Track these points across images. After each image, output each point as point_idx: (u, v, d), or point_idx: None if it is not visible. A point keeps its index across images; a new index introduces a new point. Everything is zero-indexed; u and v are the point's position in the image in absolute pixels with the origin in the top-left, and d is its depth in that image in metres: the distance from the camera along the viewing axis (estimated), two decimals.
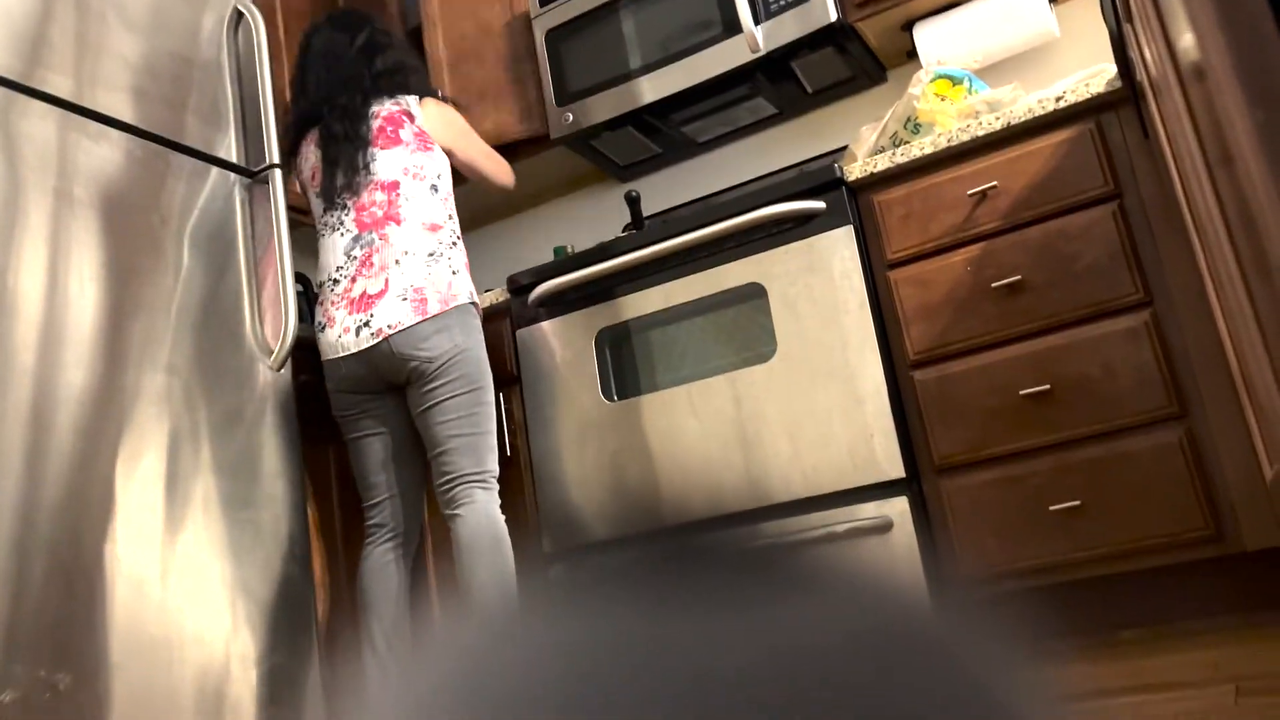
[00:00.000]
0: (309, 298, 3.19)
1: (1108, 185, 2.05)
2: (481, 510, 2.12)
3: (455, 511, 2.13)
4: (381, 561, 2.23)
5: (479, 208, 3.34)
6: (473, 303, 2.23)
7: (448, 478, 2.15)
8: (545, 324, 2.53)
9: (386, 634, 2.19)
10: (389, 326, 2.17)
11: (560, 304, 2.53)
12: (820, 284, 2.23)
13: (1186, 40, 0.91)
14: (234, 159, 2.42)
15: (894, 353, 2.20)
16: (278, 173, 2.40)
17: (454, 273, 2.22)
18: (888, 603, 0.22)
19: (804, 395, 2.21)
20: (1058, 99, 2.10)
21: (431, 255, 2.21)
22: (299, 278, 3.17)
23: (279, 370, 2.32)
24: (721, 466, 2.27)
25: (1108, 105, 2.08)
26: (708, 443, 2.30)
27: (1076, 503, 1.98)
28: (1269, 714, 1.04)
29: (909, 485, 2.11)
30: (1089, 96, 2.07)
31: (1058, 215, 2.08)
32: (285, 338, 2.30)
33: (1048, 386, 2.03)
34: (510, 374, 2.61)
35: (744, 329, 2.33)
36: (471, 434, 2.15)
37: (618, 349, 2.46)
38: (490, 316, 2.68)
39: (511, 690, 0.21)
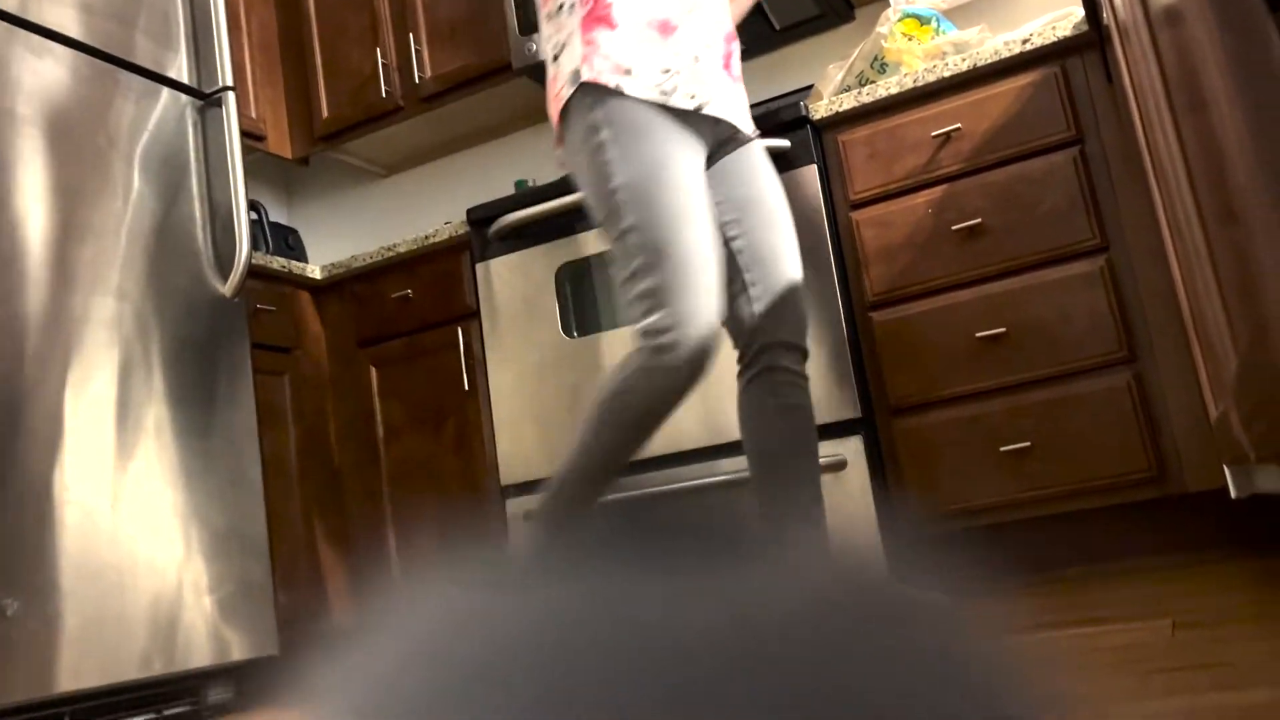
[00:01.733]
0: (264, 225, 3.12)
1: (1070, 130, 2.06)
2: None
3: None
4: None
5: (439, 138, 3.28)
6: (582, 83, 1.55)
7: None
8: (505, 258, 2.51)
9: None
10: None
11: (521, 238, 2.50)
12: None
13: None
14: (185, 80, 2.34)
15: (853, 293, 2.21)
16: (231, 95, 2.34)
17: (555, 59, 1.62)
18: (851, 575, 0.23)
19: None
20: (1024, 41, 2.09)
21: (550, 48, 1.65)
22: (253, 205, 3.11)
23: (233, 298, 2.28)
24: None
25: (1073, 49, 2.08)
26: None
27: (1027, 444, 2.02)
28: (1203, 646, 1.08)
29: (864, 425, 2.14)
30: (1055, 40, 2.07)
31: (1020, 159, 2.09)
32: (238, 265, 2.26)
33: (1003, 329, 2.05)
34: (469, 308, 2.59)
35: None
36: (623, 273, 1.54)
37: (578, 285, 2.44)
38: (449, 250, 2.65)
39: (482, 654, 0.21)
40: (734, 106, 1.64)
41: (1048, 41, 2.07)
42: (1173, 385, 1.95)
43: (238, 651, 2.10)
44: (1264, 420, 0.71)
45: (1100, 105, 2.05)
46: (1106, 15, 1.71)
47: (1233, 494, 1.56)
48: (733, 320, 1.63)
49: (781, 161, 2.24)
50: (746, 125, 1.67)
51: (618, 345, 2.36)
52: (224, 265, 2.29)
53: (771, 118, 2.26)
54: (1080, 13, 2.13)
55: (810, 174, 2.22)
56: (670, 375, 1.48)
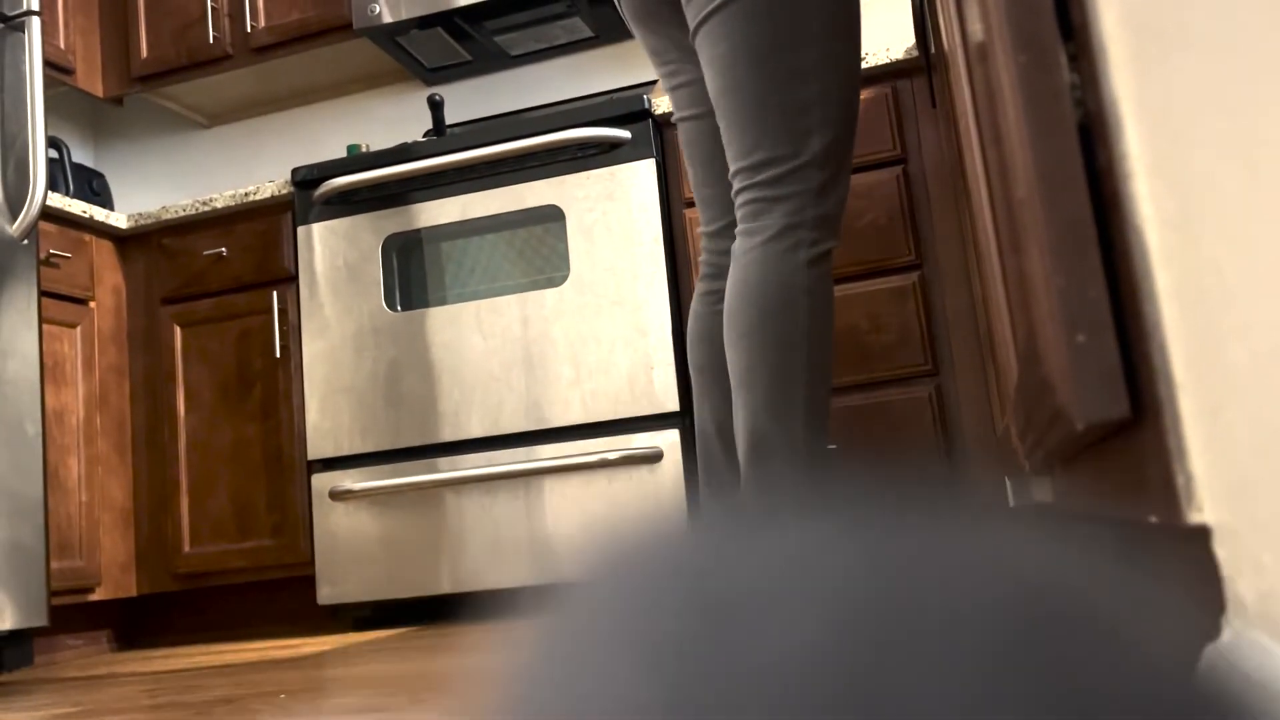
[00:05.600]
0: (65, 165, 2.90)
1: (895, 149, 2.15)
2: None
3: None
4: None
5: (268, 92, 3.12)
6: None
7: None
8: (330, 223, 2.41)
9: None
10: None
11: (349, 204, 2.41)
12: (618, 213, 2.24)
13: (974, 15, 0.95)
14: None
15: (681, 289, 2.24)
16: (35, 20, 2.15)
17: None
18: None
19: (591, 322, 2.22)
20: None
21: None
22: (54, 142, 2.88)
23: (22, 240, 2.10)
24: (502, 386, 2.26)
25: (904, 72, 2.17)
26: (490, 361, 2.27)
27: (833, 446, 2.10)
28: None
29: (682, 419, 2.18)
30: (888, 61, 2.16)
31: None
32: (31, 205, 2.08)
33: None
34: (287, 272, 2.48)
35: (538, 250, 2.30)
36: (786, 148, 1.24)
37: (406, 258, 2.38)
38: (270, 209, 2.52)
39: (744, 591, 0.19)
40: None
41: (881, 62, 2.16)
42: (967, 400, 2.07)
43: (3, 620, 1.94)
44: (1034, 433, 0.76)
45: (924, 128, 2.15)
46: (934, 43, 1.80)
47: (1010, 504, 1.66)
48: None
49: (620, 152, 2.25)
50: None
51: (443, 322, 2.31)
52: (14, 204, 2.11)
53: (614, 107, 2.26)
54: (912, 39, 2.22)
55: (648, 167, 2.23)
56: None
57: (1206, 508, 0.40)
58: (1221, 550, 0.40)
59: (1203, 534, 0.42)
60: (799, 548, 0.20)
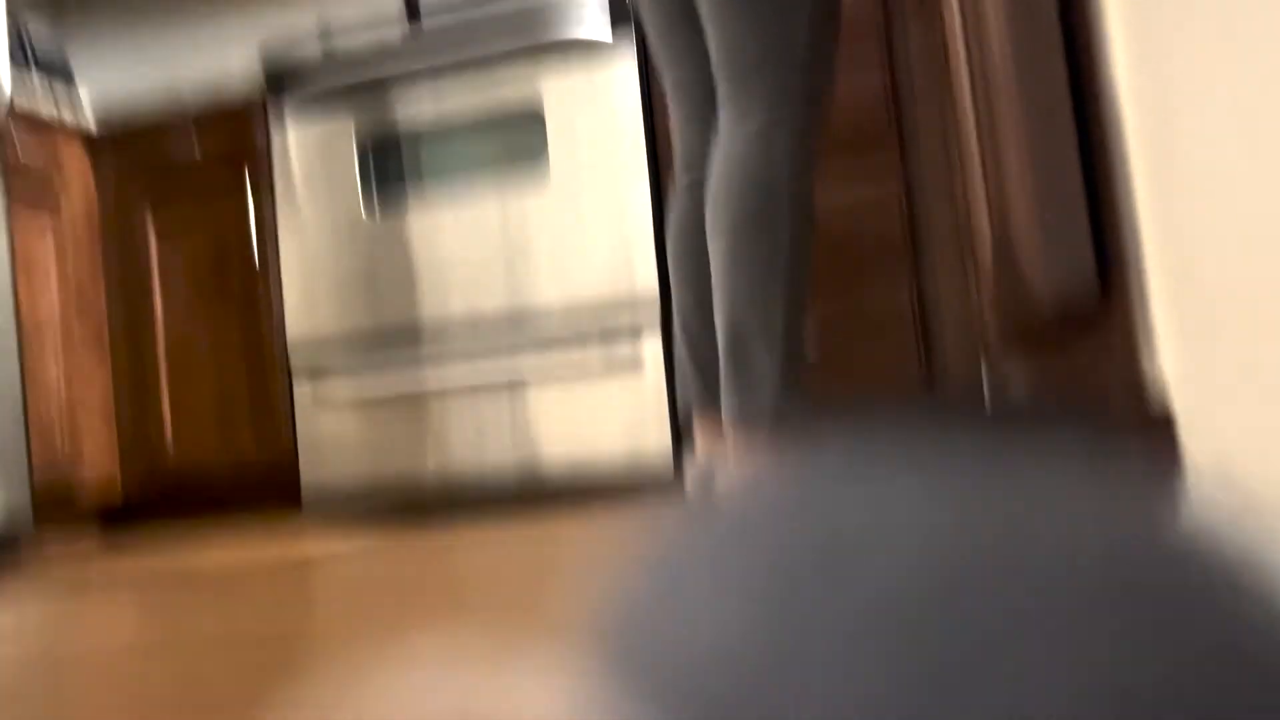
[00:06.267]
0: (27, 48, 2.79)
1: (881, 52, 2.11)
2: None
3: None
4: None
5: None
6: None
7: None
8: (305, 124, 2.36)
9: None
10: None
11: (323, 104, 2.36)
12: (601, 111, 2.20)
13: None
14: None
15: (664, 187, 2.22)
16: None
17: None
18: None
19: (572, 218, 2.21)
20: None
21: None
22: (13, 21, 2.78)
23: None
24: (484, 284, 2.25)
25: None
26: (471, 258, 2.26)
27: (810, 360, 2.11)
28: None
29: (666, 320, 2.17)
30: None
31: None
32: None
33: None
34: (261, 173, 2.44)
35: (518, 146, 2.27)
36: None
37: (383, 158, 2.34)
38: (242, 110, 2.47)
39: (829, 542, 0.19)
40: None
41: None
42: (949, 308, 2.07)
43: None
44: (1007, 316, 0.77)
45: (912, 25, 2.11)
46: None
47: (983, 388, 1.69)
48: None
49: (604, 50, 2.20)
50: None
51: (422, 220, 2.29)
52: None
53: (600, 6, 2.20)
54: None
55: (631, 67, 2.19)
56: None
57: (1170, 375, 0.41)
58: (1180, 408, 0.41)
59: (1166, 396, 0.42)
60: (909, 493, 0.20)
